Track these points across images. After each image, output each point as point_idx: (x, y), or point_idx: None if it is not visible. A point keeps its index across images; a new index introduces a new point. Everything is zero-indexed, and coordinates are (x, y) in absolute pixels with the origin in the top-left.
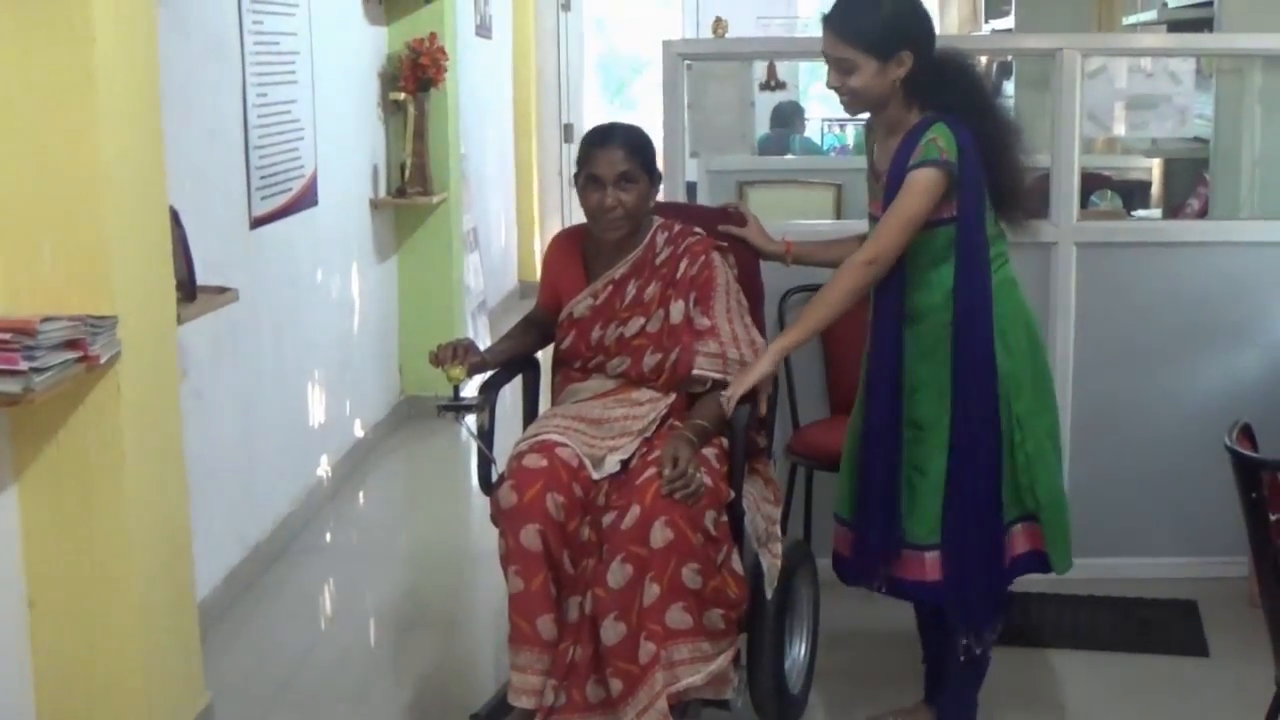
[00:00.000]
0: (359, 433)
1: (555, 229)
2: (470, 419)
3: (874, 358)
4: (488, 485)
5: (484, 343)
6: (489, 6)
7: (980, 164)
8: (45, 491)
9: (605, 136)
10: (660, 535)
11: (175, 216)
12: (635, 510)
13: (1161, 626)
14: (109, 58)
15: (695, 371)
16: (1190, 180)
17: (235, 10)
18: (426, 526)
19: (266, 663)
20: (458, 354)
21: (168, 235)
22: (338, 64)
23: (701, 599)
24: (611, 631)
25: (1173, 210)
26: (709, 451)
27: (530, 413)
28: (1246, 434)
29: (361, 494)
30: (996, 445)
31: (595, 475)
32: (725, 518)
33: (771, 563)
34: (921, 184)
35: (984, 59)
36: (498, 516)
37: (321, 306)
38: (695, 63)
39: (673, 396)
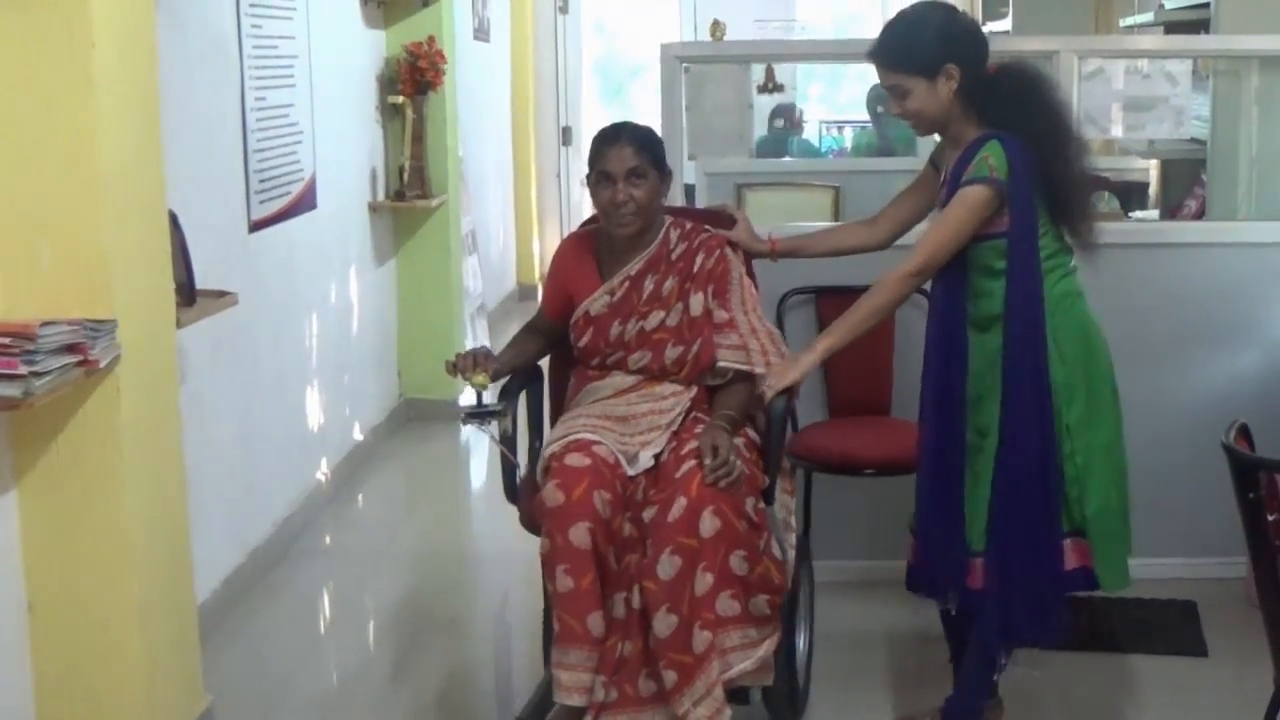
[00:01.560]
0: (358, 436)
1: (554, 231)
2: (493, 425)
3: (937, 367)
4: (514, 492)
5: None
6: (487, 10)
7: (1034, 179)
8: (45, 495)
9: (615, 134)
10: (709, 524)
11: (174, 220)
12: (681, 502)
13: (1160, 627)
14: (108, 62)
15: (719, 363)
16: (1187, 181)
17: (233, 14)
18: (426, 529)
19: (266, 666)
20: (479, 361)
21: (167, 239)
22: (336, 67)
23: (748, 585)
24: (664, 624)
25: (1170, 211)
26: (740, 442)
27: (537, 420)
28: (1244, 434)
29: (361, 497)
30: (1047, 456)
31: (630, 471)
32: (763, 504)
33: (790, 551)
34: (971, 200)
35: None
36: (541, 516)
37: (320, 310)
38: (693, 65)
39: (695, 389)
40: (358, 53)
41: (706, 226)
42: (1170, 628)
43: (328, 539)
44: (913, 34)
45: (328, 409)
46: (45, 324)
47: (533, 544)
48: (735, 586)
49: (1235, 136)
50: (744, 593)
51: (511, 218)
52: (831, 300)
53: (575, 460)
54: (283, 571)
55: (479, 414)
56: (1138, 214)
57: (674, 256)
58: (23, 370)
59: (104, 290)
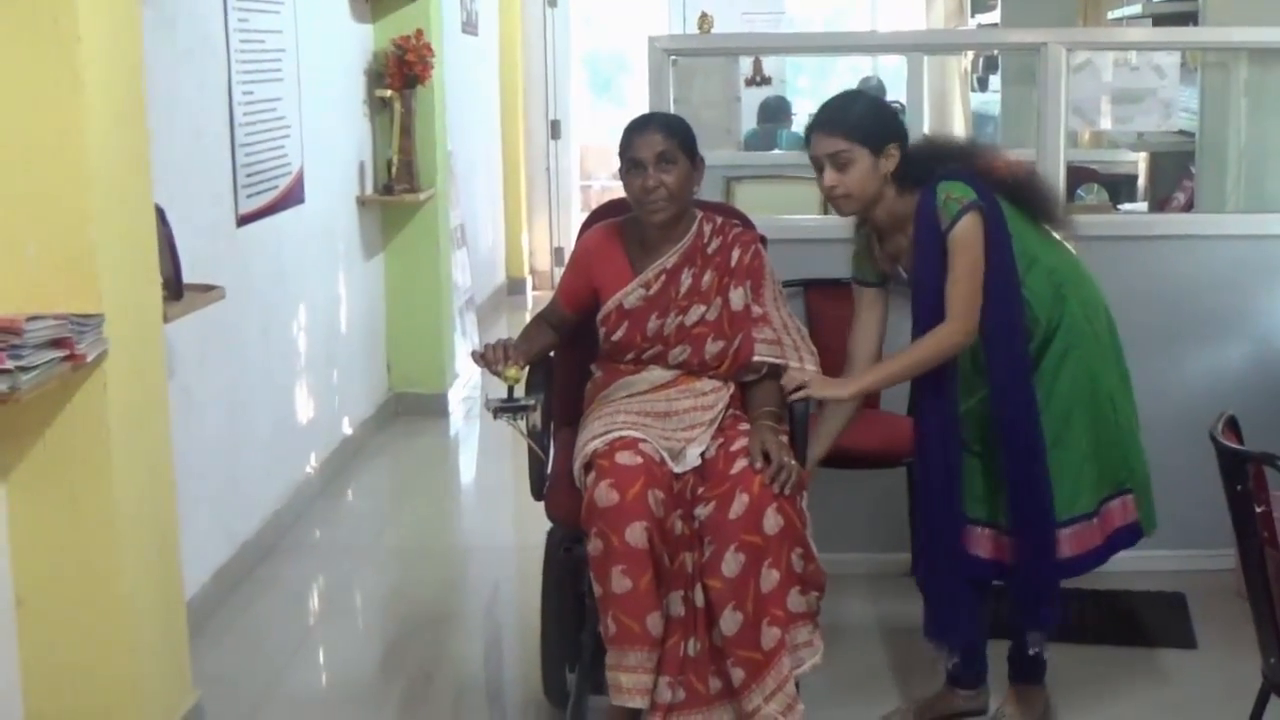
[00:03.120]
0: (347, 430)
1: (542, 224)
2: (524, 420)
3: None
4: (540, 489)
5: (472, 345)
6: (475, 3)
7: (990, 191)
8: (32, 490)
9: (644, 122)
10: (773, 522)
11: (161, 215)
12: (744, 499)
13: (1149, 619)
14: (94, 57)
15: (756, 358)
16: (1176, 174)
17: (220, 8)
18: (415, 523)
19: (255, 660)
20: (507, 353)
21: (154, 233)
22: (324, 61)
23: (805, 583)
24: (731, 621)
25: (1159, 204)
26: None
27: (544, 416)
28: (1232, 426)
29: (350, 491)
30: (1037, 441)
31: (677, 469)
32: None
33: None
34: (966, 237)
35: (970, 53)
36: (592, 515)
37: (309, 304)
38: (681, 58)
39: (733, 386)
40: (345, 46)
41: (735, 221)
42: (1159, 619)
43: (317, 533)
44: (864, 108)
45: (316, 403)
46: (31, 318)
47: (524, 536)
48: (801, 583)
49: (1224, 129)
50: (803, 590)
51: (500, 211)
52: (820, 293)
53: (626, 459)
54: (272, 566)
55: (510, 408)
56: (1126, 206)
57: (710, 250)
58: (9, 365)
59: (91, 285)
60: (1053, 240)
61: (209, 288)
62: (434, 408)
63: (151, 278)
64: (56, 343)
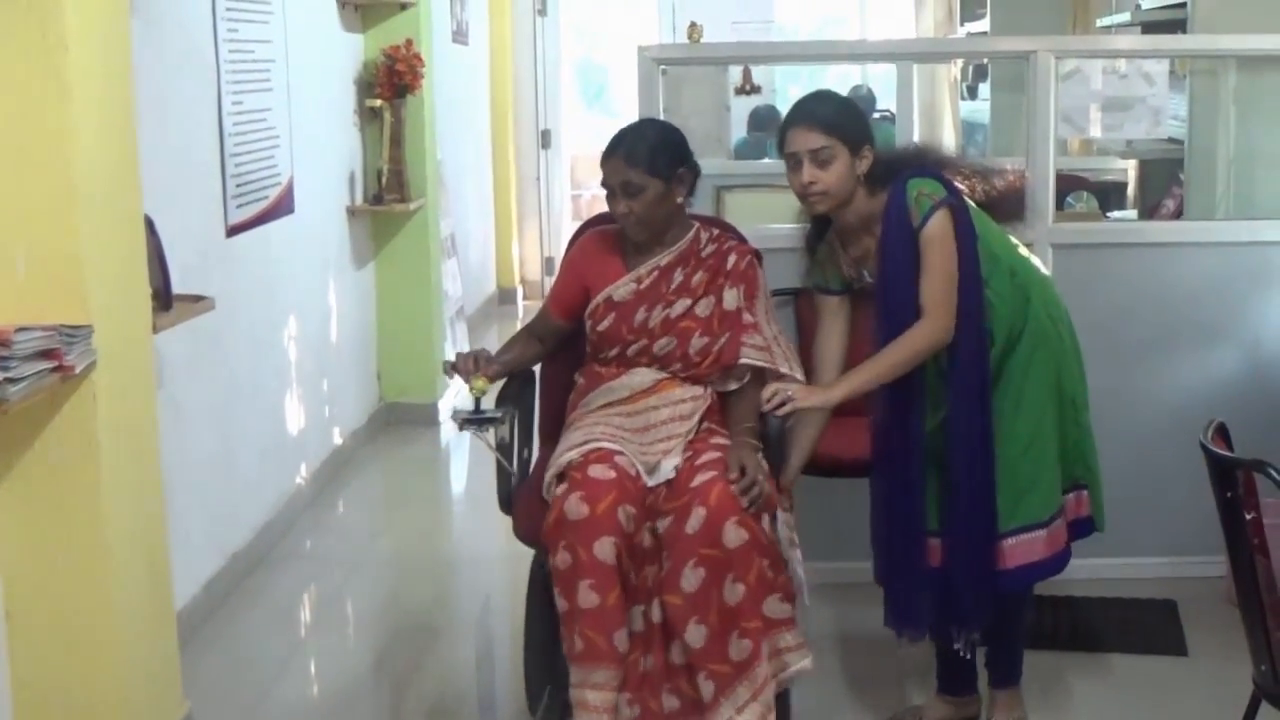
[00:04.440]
0: (337, 440)
1: (533, 234)
2: (491, 432)
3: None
4: (508, 503)
5: (467, 349)
6: (465, 13)
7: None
8: (21, 502)
9: (614, 145)
10: (735, 535)
11: (150, 225)
12: (700, 512)
13: (1140, 626)
14: (83, 67)
15: (742, 360)
16: (1165, 181)
17: (209, 18)
18: (406, 533)
19: (246, 671)
20: (479, 364)
21: (143, 244)
22: (313, 71)
23: (783, 590)
24: (696, 634)
25: (1148, 211)
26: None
27: (526, 427)
28: (1221, 433)
29: (341, 501)
30: (988, 441)
31: (650, 482)
32: (776, 522)
33: (798, 569)
34: (939, 233)
35: (959, 61)
36: (557, 529)
37: (299, 314)
38: (671, 68)
39: (711, 395)
40: (335, 56)
41: (732, 235)
42: (1150, 627)
43: (308, 543)
44: (846, 108)
45: (307, 413)
46: (20, 329)
47: (515, 547)
48: (780, 589)
49: (1213, 136)
50: (785, 596)
51: (491, 221)
52: (810, 301)
53: (599, 472)
54: (262, 577)
55: (477, 419)
56: (1116, 214)
57: (704, 254)
58: None
59: (79, 295)
60: (1012, 242)
61: (199, 298)
62: (425, 418)
63: (141, 288)
64: (45, 354)
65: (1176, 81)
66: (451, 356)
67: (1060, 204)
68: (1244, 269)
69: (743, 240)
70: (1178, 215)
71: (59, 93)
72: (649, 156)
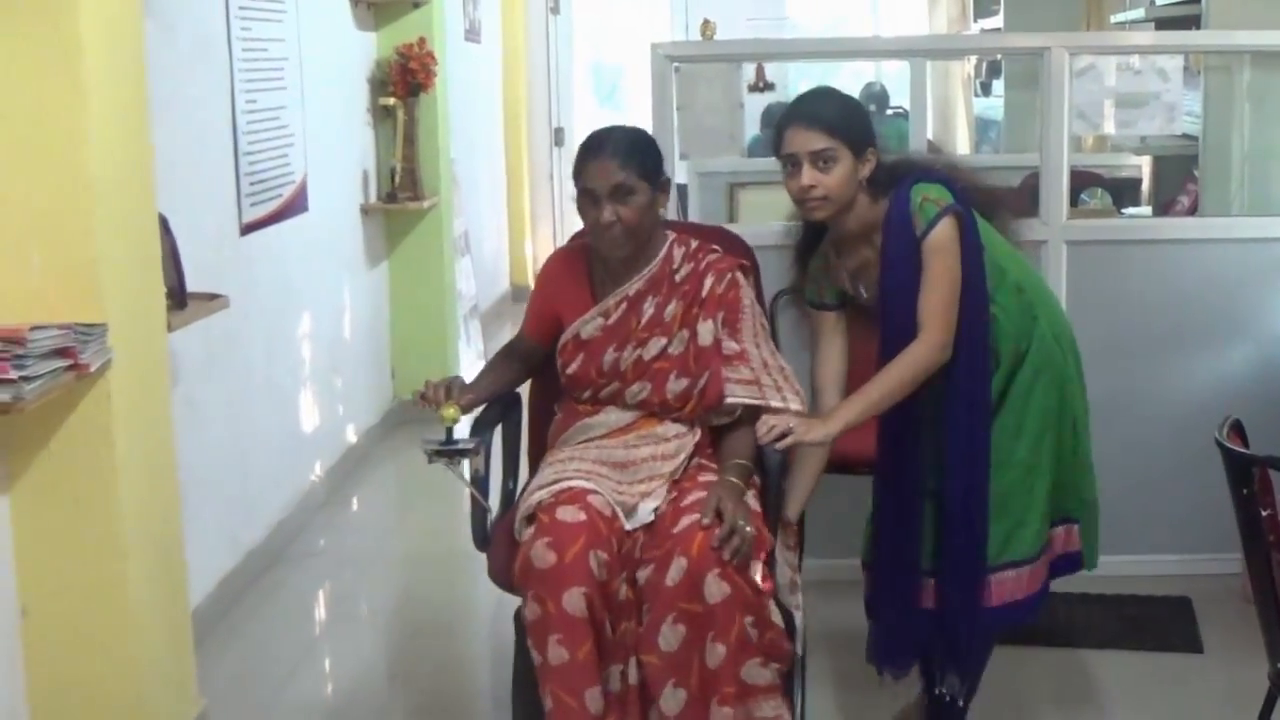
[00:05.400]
0: (351, 438)
1: (546, 232)
2: (465, 465)
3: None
4: (483, 539)
5: (476, 352)
6: (478, 11)
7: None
8: (37, 500)
9: (598, 145)
10: (716, 589)
11: (165, 224)
12: (681, 563)
13: (1155, 623)
14: (97, 67)
15: (728, 399)
16: (1180, 177)
17: (223, 17)
18: (421, 531)
19: (261, 669)
20: (451, 392)
21: (157, 243)
22: (327, 70)
23: (765, 653)
24: (672, 700)
25: (1163, 207)
26: (749, 495)
27: (512, 455)
28: (1237, 430)
29: (355, 499)
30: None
31: (628, 526)
32: (768, 569)
33: (801, 615)
34: (944, 241)
35: (973, 58)
36: (526, 578)
37: (313, 312)
38: (684, 65)
39: (699, 431)
40: (348, 55)
41: (715, 247)
42: (1165, 624)
43: (322, 541)
44: (850, 107)
45: (321, 411)
46: (35, 328)
47: None
48: (761, 653)
49: (1227, 132)
50: (766, 660)
51: (504, 219)
52: None
53: (568, 514)
54: (277, 574)
55: (447, 451)
56: (1130, 210)
57: (678, 278)
58: (13, 375)
59: (94, 294)
60: (1018, 254)
61: (213, 296)
62: (438, 415)
63: (155, 287)
64: (60, 352)
65: (1191, 77)
66: (466, 354)
67: (1074, 201)
68: (1259, 265)
69: (735, 250)
70: (1192, 211)
71: (74, 93)
72: (640, 157)
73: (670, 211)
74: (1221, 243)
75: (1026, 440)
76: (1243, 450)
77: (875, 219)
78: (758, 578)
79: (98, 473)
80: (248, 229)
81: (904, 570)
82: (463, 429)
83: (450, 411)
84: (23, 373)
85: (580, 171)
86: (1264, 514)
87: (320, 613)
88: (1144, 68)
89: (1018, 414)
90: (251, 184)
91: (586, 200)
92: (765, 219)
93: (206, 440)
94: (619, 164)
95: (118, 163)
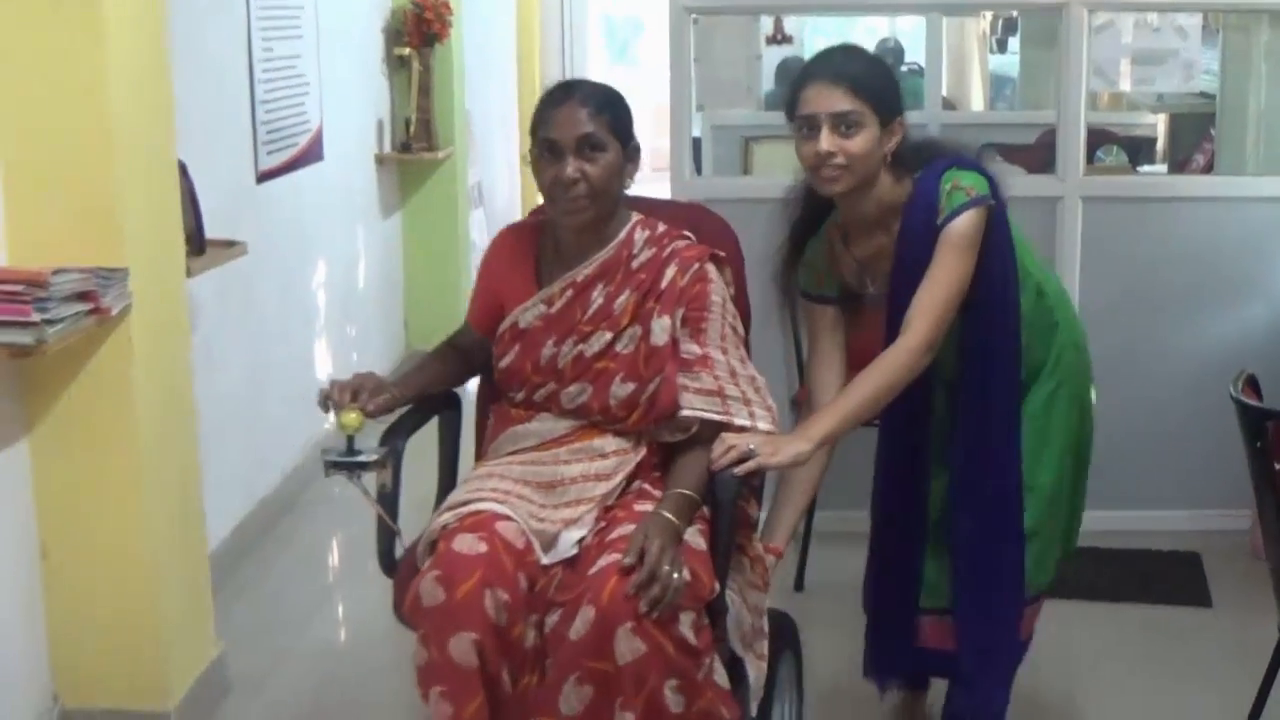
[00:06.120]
0: None
1: None
2: (368, 479)
3: (896, 426)
4: (390, 566)
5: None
6: None
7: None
8: (57, 443)
9: (564, 92)
10: (628, 647)
11: (183, 170)
12: (588, 613)
13: (1164, 578)
14: (117, 14)
15: (685, 411)
16: (1196, 135)
17: None
18: (433, 477)
19: (277, 614)
20: (358, 394)
21: (176, 188)
22: (342, 19)
23: None
24: None
25: (1178, 165)
26: (690, 531)
27: (448, 466)
28: (1252, 385)
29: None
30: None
31: (545, 560)
32: (706, 620)
33: (758, 670)
34: (964, 235)
35: (989, 14)
36: (415, 615)
37: (327, 261)
38: (702, 16)
39: (645, 449)
40: (364, 4)
41: (687, 234)
42: (1174, 579)
43: (336, 488)
44: (879, 69)
45: (334, 359)
46: (57, 271)
47: None
48: None
49: (1244, 91)
50: None
51: (518, 171)
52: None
53: (466, 545)
54: (292, 521)
55: (345, 465)
56: (1145, 168)
57: (635, 264)
58: (35, 317)
59: (115, 239)
60: (1039, 256)
61: (231, 243)
62: None
63: (175, 232)
64: (82, 296)
65: (1209, 35)
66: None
67: (1090, 158)
68: (1274, 223)
69: (714, 236)
70: (1208, 170)
71: (94, 38)
72: (613, 110)
73: (683, 167)
74: (1236, 201)
75: (1048, 463)
76: (1257, 404)
77: (896, 202)
78: (687, 632)
79: (118, 416)
80: (263, 177)
81: (906, 612)
82: (370, 437)
83: (350, 417)
84: (45, 315)
85: (541, 121)
86: (1277, 468)
87: (334, 560)
88: (1162, 25)
89: (1039, 433)
90: (268, 132)
91: (547, 154)
92: (781, 174)
93: (222, 386)
94: (589, 113)
95: (138, 109)
